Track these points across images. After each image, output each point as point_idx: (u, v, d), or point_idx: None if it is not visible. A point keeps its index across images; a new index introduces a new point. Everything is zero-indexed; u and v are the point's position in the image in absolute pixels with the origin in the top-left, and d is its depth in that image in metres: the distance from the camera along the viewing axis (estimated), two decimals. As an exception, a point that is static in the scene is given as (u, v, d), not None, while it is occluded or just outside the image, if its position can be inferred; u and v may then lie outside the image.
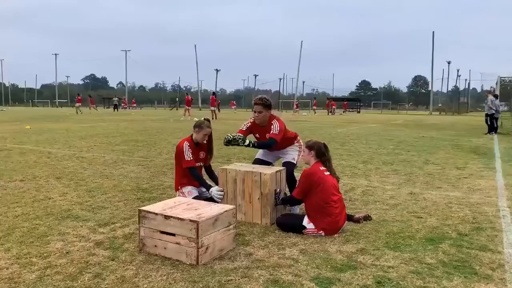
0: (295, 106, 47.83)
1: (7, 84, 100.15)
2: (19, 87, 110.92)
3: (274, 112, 5.05)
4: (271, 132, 4.78)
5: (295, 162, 5.04)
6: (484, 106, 18.93)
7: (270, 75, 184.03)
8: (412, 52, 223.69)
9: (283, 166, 4.92)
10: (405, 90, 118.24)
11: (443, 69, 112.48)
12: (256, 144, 4.81)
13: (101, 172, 7.06)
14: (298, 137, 5.21)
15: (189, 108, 29.79)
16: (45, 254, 3.42)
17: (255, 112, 4.84)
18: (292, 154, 5.05)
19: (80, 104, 37.28)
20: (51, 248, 3.56)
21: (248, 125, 4.99)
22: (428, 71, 59.19)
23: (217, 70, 76.50)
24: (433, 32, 58.02)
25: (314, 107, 47.29)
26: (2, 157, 8.51)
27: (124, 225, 4.24)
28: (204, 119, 5.01)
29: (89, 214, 4.58)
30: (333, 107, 47.39)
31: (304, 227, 4.03)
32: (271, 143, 4.77)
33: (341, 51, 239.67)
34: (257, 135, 5.02)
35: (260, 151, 5.21)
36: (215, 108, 29.05)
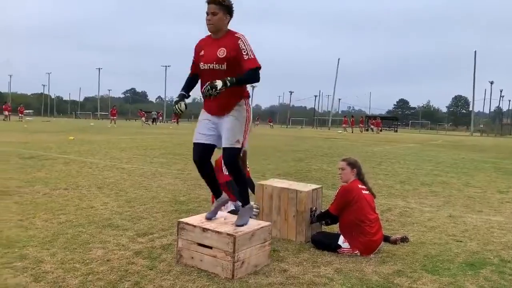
0: (351, 122, 46.92)
1: (52, 96, 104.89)
2: (64, 99, 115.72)
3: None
4: (245, 58, 3.36)
5: (240, 146, 3.53)
6: None
7: (305, 92, 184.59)
8: (452, 71, 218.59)
9: (223, 151, 3.55)
10: (444, 110, 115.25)
11: (485, 89, 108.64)
12: (235, 81, 3.30)
13: (140, 183, 7.26)
14: (248, 93, 3.67)
15: None
16: (87, 261, 3.56)
17: (207, 14, 3.46)
18: (235, 129, 3.50)
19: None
20: (93, 255, 3.70)
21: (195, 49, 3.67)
22: (469, 91, 57.73)
23: (253, 87, 77.20)
24: (475, 51, 56.72)
25: (344, 125, 46.48)
26: (48, 166, 8.90)
27: (162, 235, 4.35)
28: None
29: (128, 224, 4.73)
30: (371, 126, 47.01)
31: (340, 246, 4.00)
32: (254, 75, 3.39)
33: (379, 69, 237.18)
34: (203, 52, 3.55)
35: (198, 125, 3.66)
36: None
